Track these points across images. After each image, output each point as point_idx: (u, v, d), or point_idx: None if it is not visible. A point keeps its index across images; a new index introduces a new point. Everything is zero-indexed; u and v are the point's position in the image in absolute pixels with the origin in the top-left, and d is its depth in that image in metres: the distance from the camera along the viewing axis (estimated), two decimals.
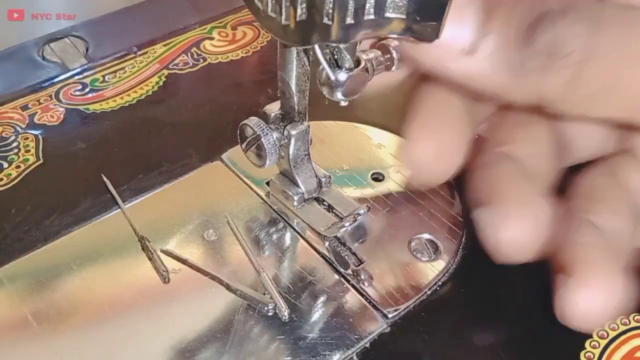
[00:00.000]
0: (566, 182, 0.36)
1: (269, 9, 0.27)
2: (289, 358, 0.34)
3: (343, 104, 0.33)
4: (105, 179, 0.43)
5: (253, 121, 0.37)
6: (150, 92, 0.51)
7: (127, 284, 0.37)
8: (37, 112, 0.49)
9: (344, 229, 0.39)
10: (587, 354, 0.35)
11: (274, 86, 0.37)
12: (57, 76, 0.52)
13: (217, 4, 0.61)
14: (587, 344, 0.35)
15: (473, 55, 0.27)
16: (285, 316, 0.35)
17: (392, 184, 0.44)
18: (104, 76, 0.52)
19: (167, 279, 0.37)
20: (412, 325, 0.36)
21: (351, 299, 0.37)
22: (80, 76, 0.52)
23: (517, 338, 0.36)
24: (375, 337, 0.35)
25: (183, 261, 0.38)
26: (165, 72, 0.53)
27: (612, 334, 0.35)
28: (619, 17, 0.26)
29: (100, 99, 0.50)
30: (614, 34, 0.26)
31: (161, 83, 0.52)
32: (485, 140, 0.35)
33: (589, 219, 0.31)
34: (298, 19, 0.26)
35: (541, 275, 0.39)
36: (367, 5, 0.25)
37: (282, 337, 0.34)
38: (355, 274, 0.38)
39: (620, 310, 0.29)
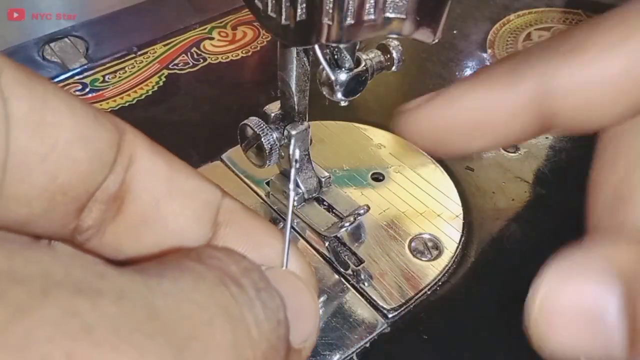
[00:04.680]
0: None
1: (269, 9, 0.27)
2: None
3: (343, 104, 0.33)
4: None
5: (253, 121, 0.37)
6: (150, 92, 0.51)
7: None
8: None
9: (344, 228, 0.39)
10: None
11: (274, 86, 0.37)
12: (57, 76, 0.52)
13: (217, 4, 0.61)
14: None
15: None
16: None
17: (392, 183, 0.44)
18: (104, 76, 0.52)
19: None
20: (412, 326, 0.36)
21: (351, 299, 0.37)
22: (80, 76, 0.52)
23: (518, 338, 0.36)
24: (375, 337, 0.35)
25: None
26: (165, 72, 0.53)
27: None
28: None
29: (100, 99, 0.50)
30: None
31: (161, 83, 0.52)
32: None
33: None
34: (298, 19, 0.26)
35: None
36: (367, 5, 0.25)
37: None
38: (355, 273, 0.38)
39: None
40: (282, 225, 0.41)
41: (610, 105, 0.17)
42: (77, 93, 0.50)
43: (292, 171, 0.23)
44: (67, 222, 0.17)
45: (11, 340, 0.11)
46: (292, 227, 0.40)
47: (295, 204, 0.40)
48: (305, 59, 0.34)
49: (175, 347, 0.13)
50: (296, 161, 0.24)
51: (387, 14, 0.26)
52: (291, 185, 0.22)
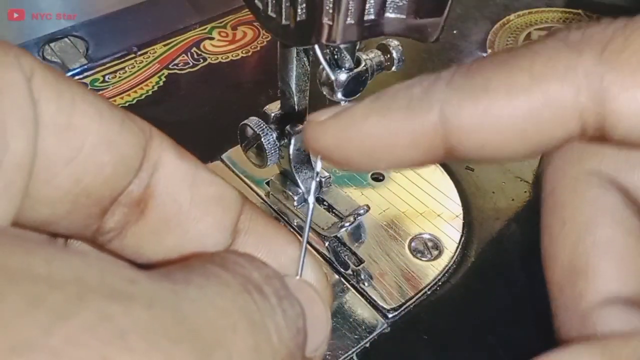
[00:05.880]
0: None
1: (269, 9, 0.27)
2: None
3: (343, 104, 0.33)
4: None
5: (253, 121, 0.37)
6: (150, 92, 0.51)
7: None
8: None
9: (344, 228, 0.39)
10: None
11: (274, 86, 0.37)
12: None
13: (217, 4, 0.61)
14: None
15: None
16: None
17: (392, 183, 0.44)
18: (104, 76, 0.52)
19: None
20: (411, 325, 0.36)
21: (351, 299, 0.37)
22: (81, 76, 0.52)
23: (517, 338, 0.36)
24: (375, 337, 0.35)
25: None
26: (165, 72, 0.53)
27: None
28: None
29: None
30: None
31: (161, 83, 0.52)
32: None
33: None
34: (298, 19, 0.26)
35: (542, 274, 0.39)
36: (367, 6, 0.25)
37: None
38: (355, 273, 0.38)
39: None
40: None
41: (511, 145, 0.17)
42: None
43: (313, 184, 0.22)
44: (90, 224, 0.17)
45: (50, 346, 0.11)
46: (292, 227, 0.40)
47: (296, 204, 0.40)
48: (305, 59, 0.34)
49: (200, 352, 0.13)
50: (317, 174, 0.23)
51: (387, 14, 0.26)
52: (311, 198, 0.22)
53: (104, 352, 0.11)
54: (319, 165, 0.25)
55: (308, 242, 0.41)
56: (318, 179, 0.24)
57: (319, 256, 0.39)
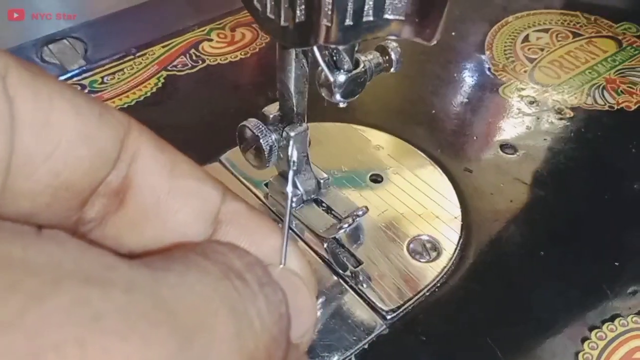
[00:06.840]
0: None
1: (268, 11, 0.27)
2: None
3: (342, 105, 0.33)
4: None
5: (252, 123, 0.37)
6: (148, 94, 0.51)
7: None
8: None
9: (343, 230, 0.39)
10: (585, 355, 0.35)
11: (273, 88, 0.37)
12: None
13: (216, 5, 0.61)
14: (585, 345, 0.35)
15: None
16: None
17: (390, 185, 0.44)
18: (102, 78, 0.52)
19: None
20: (410, 327, 0.36)
21: (349, 300, 0.37)
22: (79, 78, 0.52)
23: (516, 339, 0.36)
24: (374, 339, 0.35)
25: None
26: (164, 73, 0.53)
27: (610, 335, 0.35)
28: None
29: None
30: None
31: (160, 85, 0.52)
32: None
33: None
34: (297, 20, 0.26)
35: (540, 276, 0.39)
36: (366, 7, 0.25)
37: None
38: (353, 275, 0.38)
39: None
40: (280, 227, 0.41)
41: None
42: None
43: (290, 172, 0.23)
44: (70, 215, 0.17)
45: (25, 327, 0.11)
46: (290, 228, 0.40)
47: (294, 204, 0.40)
48: (304, 60, 0.34)
49: (180, 336, 0.13)
50: (294, 163, 0.24)
51: (386, 16, 0.26)
52: (289, 188, 0.22)
53: (79, 334, 0.12)
54: (295, 155, 0.25)
55: (306, 244, 0.41)
56: (295, 168, 0.24)
57: (316, 256, 0.39)
